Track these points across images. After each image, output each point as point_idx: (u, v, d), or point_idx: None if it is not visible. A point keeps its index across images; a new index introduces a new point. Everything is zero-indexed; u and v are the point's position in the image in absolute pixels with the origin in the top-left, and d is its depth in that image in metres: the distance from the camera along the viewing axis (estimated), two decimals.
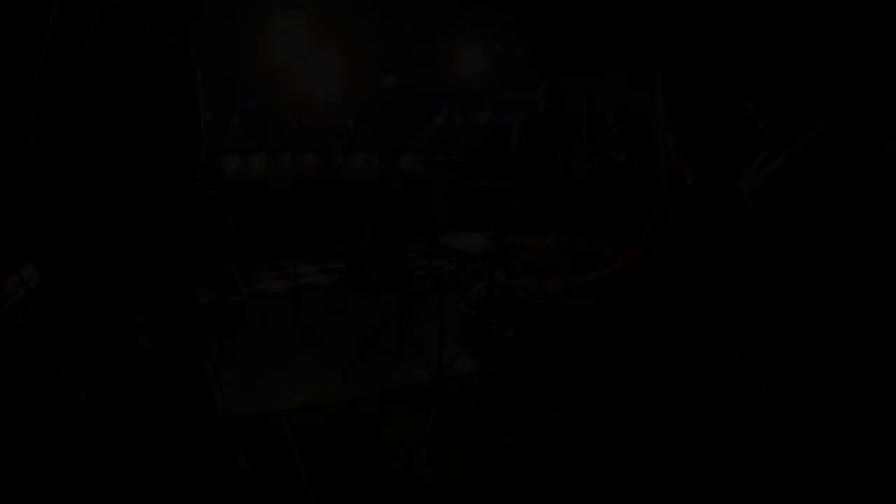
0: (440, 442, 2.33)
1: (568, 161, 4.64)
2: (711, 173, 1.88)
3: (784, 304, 3.09)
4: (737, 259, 1.86)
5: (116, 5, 1.77)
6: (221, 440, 1.91)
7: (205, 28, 2.02)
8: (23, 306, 1.99)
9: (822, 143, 2.34)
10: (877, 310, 3.01)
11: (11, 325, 1.90)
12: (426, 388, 2.86)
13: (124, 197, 1.77)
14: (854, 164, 3.35)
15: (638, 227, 1.94)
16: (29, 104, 1.94)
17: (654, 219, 1.79)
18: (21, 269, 2.01)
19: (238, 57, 5.33)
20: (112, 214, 1.78)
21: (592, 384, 2.05)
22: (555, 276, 2.60)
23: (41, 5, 2.37)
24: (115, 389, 1.91)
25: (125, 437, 2.16)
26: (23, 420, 1.83)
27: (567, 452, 2.25)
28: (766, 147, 2.71)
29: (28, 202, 2.65)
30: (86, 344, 2.33)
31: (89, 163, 1.77)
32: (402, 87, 6.29)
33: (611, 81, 5.40)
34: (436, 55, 5.91)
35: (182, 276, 1.87)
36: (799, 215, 2.89)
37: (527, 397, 2.35)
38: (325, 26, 4.78)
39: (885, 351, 2.86)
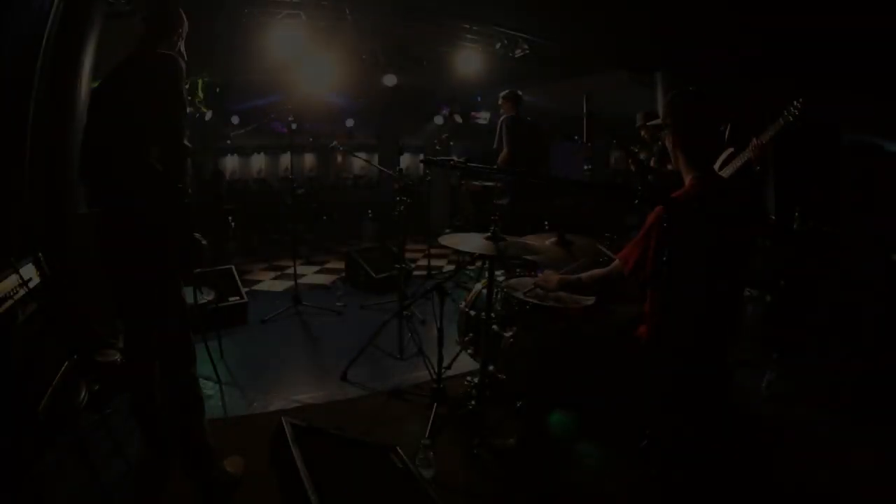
0: (440, 442, 2.33)
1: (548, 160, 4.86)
2: (709, 173, 1.88)
3: (783, 301, 3.10)
4: (736, 259, 1.87)
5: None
6: (203, 446, 1.95)
7: (205, 28, 2.02)
8: (23, 306, 1.99)
9: (788, 132, 2.40)
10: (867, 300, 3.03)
11: (11, 325, 1.90)
12: (426, 388, 2.86)
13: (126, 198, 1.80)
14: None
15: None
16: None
17: (652, 218, 1.79)
18: (21, 269, 2.01)
19: (238, 57, 5.33)
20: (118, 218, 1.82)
21: (592, 384, 2.05)
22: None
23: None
24: (127, 385, 1.95)
25: (124, 436, 2.17)
26: (23, 420, 1.83)
27: (567, 452, 2.25)
28: (728, 144, 2.76)
29: (29, 203, 2.66)
30: (86, 344, 2.33)
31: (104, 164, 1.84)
32: (402, 87, 6.28)
33: (611, 81, 5.40)
34: (436, 55, 5.90)
35: (169, 279, 1.89)
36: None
37: (527, 397, 2.35)
38: (326, 26, 4.77)
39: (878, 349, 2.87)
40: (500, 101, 4.90)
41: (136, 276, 1.85)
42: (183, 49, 1.97)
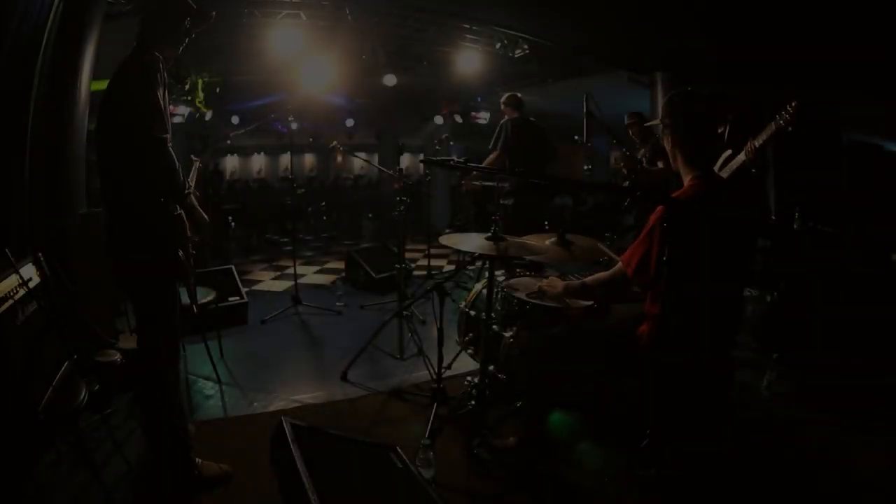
0: (440, 442, 2.33)
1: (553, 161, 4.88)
2: (709, 173, 1.88)
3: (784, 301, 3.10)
4: (737, 258, 1.87)
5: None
6: (169, 447, 1.96)
7: (205, 28, 2.01)
8: (23, 306, 1.99)
9: (782, 135, 2.42)
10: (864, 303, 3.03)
11: (11, 325, 1.90)
12: (426, 388, 2.86)
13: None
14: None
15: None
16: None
17: (653, 219, 1.79)
18: (21, 269, 2.01)
19: (238, 57, 5.34)
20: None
21: (592, 384, 2.05)
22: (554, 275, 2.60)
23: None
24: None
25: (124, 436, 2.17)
26: (23, 420, 1.83)
27: (567, 452, 2.25)
28: (727, 145, 2.78)
29: (29, 203, 2.66)
30: (86, 344, 2.34)
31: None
32: (402, 87, 6.29)
33: (611, 82, 5.41)
34: (436, 55, 5.90)
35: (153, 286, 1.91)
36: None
37: (527, 397, 2.35)
38: (326, 26, 4.78)
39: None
40: (501, 107, 4.89)
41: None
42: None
